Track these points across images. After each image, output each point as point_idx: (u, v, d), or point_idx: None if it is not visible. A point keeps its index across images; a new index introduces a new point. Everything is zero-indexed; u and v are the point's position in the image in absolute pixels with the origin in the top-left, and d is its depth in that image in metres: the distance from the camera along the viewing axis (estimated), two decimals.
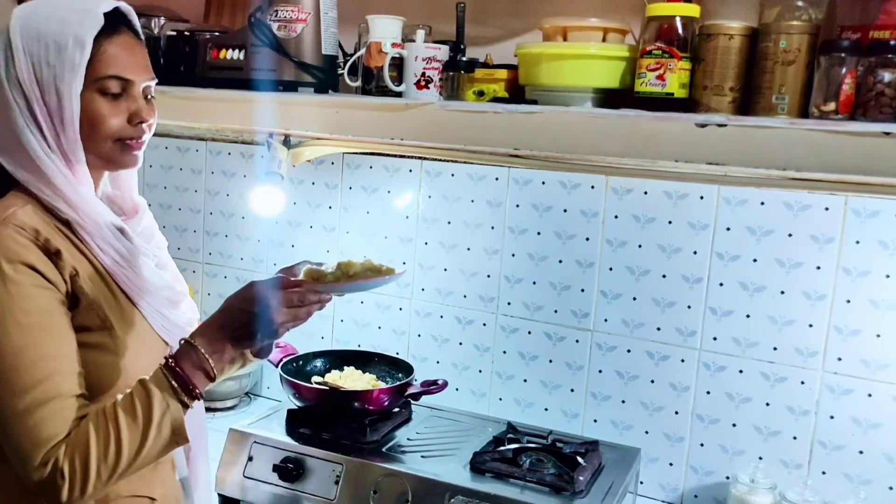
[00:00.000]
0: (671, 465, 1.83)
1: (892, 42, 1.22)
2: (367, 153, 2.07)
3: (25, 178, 1.17)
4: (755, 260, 1.72)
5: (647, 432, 1.85)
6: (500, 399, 2.00)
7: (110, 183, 1.33)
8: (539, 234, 1.92)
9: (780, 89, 1.33)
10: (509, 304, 1.97)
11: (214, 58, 1.72)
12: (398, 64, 1.61)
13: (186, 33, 1.82)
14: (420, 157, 2.01)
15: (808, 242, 1.67)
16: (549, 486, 1.59)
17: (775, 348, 1.72)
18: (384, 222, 2.09)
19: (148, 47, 1.28)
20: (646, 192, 1.80)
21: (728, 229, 1.74)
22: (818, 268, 1.67)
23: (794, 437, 1.71)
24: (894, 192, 1.48)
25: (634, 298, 1.84)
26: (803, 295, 1.69)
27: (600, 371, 1.89)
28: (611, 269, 1.85)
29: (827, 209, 1.65)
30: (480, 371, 2.02)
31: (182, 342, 1.18)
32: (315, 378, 1.92)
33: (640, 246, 1.82)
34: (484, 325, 2.00)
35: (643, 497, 1.85)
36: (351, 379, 1.91)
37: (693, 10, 1.41)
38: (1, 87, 1.16)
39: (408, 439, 1.80)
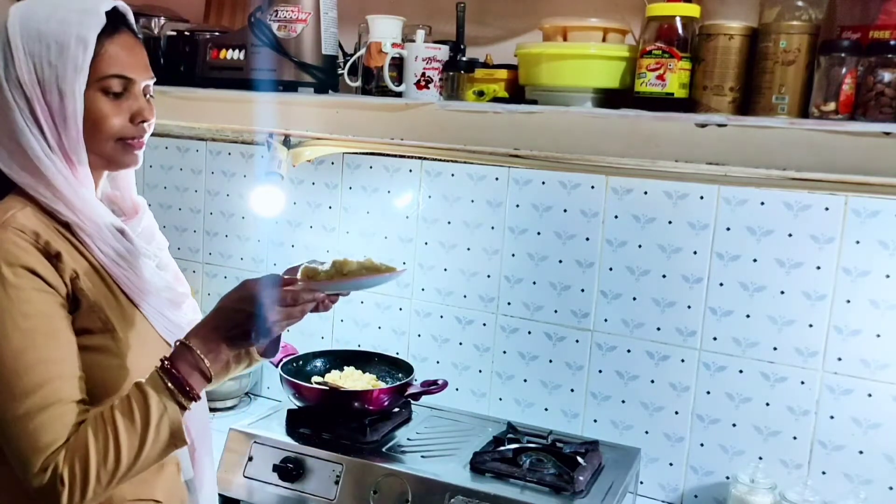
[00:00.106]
0: (671, 465, 1.83)
1: (892, 42, 1.22)
2: (367, 153, 2.07)
3: (24, 181, 1.16)
4: (755, 260, 1.72)
5: (647, 432, 1.85)
6: (500, 399, 2.00)
7: (109, 183, 1.32)
8: (539, 234, 1.92)
9: (780, 89, 1.33)
10: (509, 304, 1.97)
11: (214, 58, 1.72)
12: (398, 64, 1.62)
13: (186, 33, 1.82)
14: (420, 157, 2.01)
15: (808, 242, 1.67)
16: (549, 486, 1.59)
17: (775, 348, 1.72)
18: (384, 222, 2.09)
19: (148, 47, 1.28)
20: (646, 192, 1.80)
21: (728, 229, 1.74)
22: (818, 268, 1.67)
23: (794, 437, 1.71)
24: (894, 192, 1.48)
25: (634, 298, 1.83)
26: (803, 295, 1.69)
27: (600, 371, 1.89)
28: (611, 269, 1.85)
29: (827, 209, 1.65)
30: (480, 371, 2.02)
31: (177, 343, 1.17)
32: (315, 378, 1.92)
33: (640, 246, 1.82)
34: (484, 325, 2.00)
35: (643, 497, 1.85)
36: (351, 379, 1.91)
37: (693, 10, 1.41)
38: (0, 87, 1.15)
39: (408, 439, 1.80)
